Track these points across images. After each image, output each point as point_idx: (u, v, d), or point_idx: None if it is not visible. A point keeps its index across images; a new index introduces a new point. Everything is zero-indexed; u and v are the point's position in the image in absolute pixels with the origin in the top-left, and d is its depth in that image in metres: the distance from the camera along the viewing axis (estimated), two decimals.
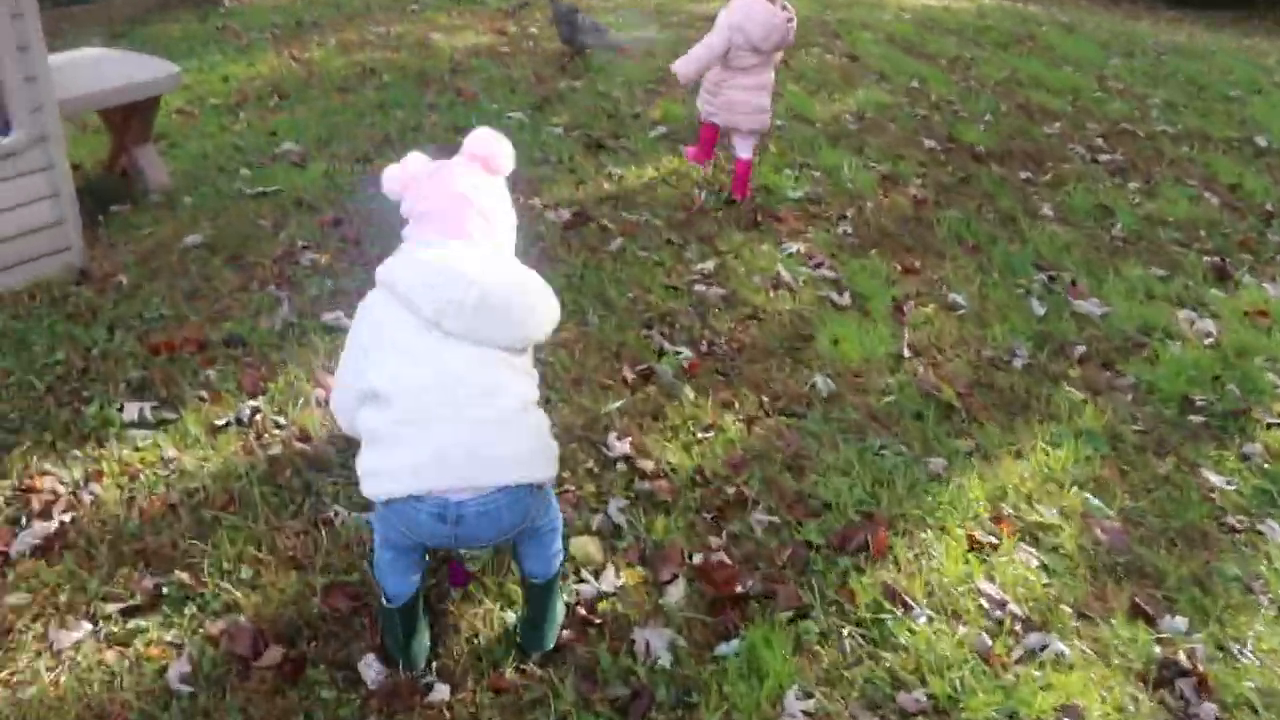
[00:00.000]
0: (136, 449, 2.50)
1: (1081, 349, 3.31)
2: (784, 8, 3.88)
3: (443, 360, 1.65)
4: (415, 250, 1.76)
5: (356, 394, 1.73)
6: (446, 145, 4.66)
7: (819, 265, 3.78)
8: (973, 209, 4.48)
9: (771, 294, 3.54)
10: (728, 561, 2.24)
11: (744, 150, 4.25)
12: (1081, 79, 6.98)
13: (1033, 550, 2.35)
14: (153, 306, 3.12)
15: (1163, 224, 4.46)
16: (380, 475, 1.67)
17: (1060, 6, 13.47)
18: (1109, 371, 3.22)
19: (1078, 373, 3.19)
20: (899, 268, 3.82)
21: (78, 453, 2.47)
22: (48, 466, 2.41)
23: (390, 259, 1.77)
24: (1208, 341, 3.44)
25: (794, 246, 3.92)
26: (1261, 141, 5.88)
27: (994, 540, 2.36)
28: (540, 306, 1.76)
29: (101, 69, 3.70)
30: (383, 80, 5.56)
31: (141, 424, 2.59)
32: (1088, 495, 2.54)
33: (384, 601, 1.87)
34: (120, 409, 2.61)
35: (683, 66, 4.11)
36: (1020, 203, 4.58)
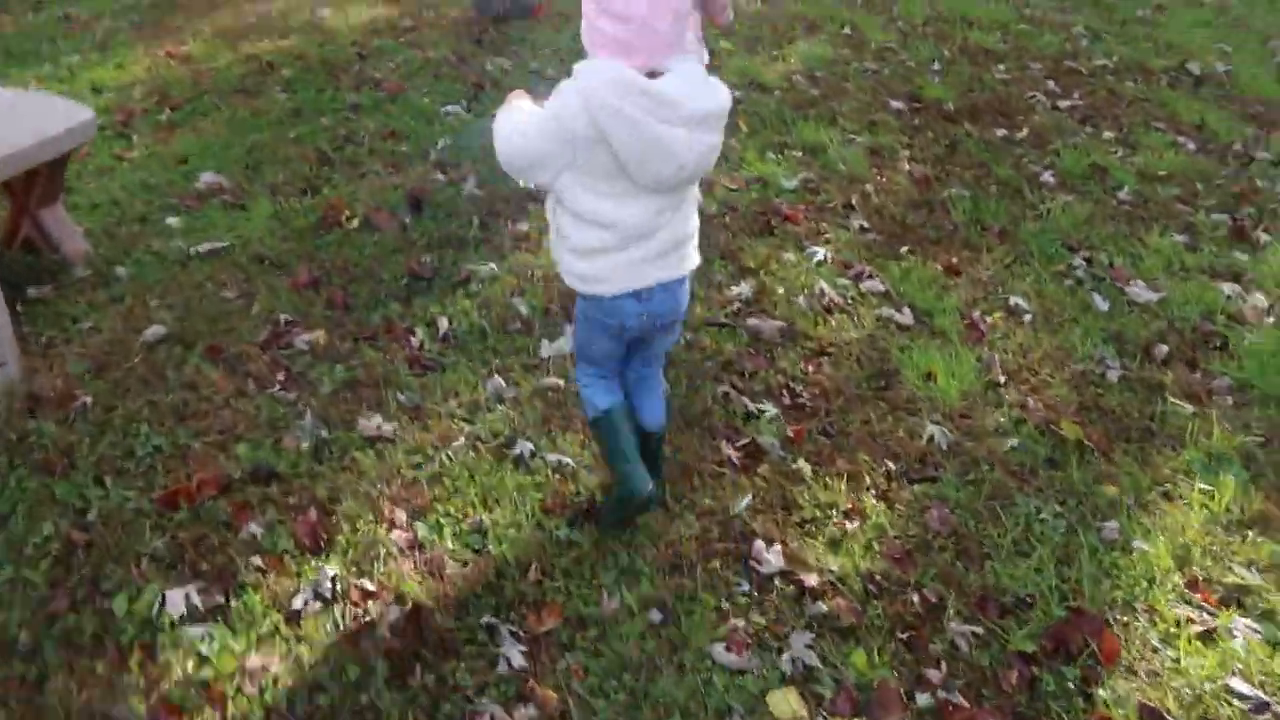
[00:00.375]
0: (200, 657, 1.99)
1: (1163, 349, 3.17)
2: None
3: (648, 203, 1.89)
4: (633, 94, 1.75)
5: (532, 177, 1.91)
6: (391, 158, 4.08)
7: (859, 276, 3.49)
8: (973, 182, 4.27)
9: (829, 320, 3.23)
10: (961, 702, 1.97)
11: None
12: (1001, 10, 6.85)
13: (1247, 622, 2.18)
14: (141, 437, 2.52)
15: (1158, 180, 4.38)
16: (602, 281, 1.97)
17: None
18: (1197, 372, 3.09)
19: (1170, 378, 3.05)
20: (940, 267, 3.57)
21: (129, 677, 1.94)
22: (99, 709, 1.88)
23: (607, 89, 1.75)
24: (1269, 321, 3.36)
25: (820, 251, 3.61)
26: (1195, 68, 5.90)
27: (1209, 618, 2.18)
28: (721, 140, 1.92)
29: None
30: (285, 76, 4.82)
31: (194, 617, 2.07)
32: (1273, 544, 2.39)
33: (601, 413, 2.20)
34: (161, 600, 2.08)
35: None
36: (1015, 169, 4.40)
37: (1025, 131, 4.81)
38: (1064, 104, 5.24)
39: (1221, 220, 4.06)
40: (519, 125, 1.89)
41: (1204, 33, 6.76)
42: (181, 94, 4.59)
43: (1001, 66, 5.73)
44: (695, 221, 2.05)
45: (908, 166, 4.37)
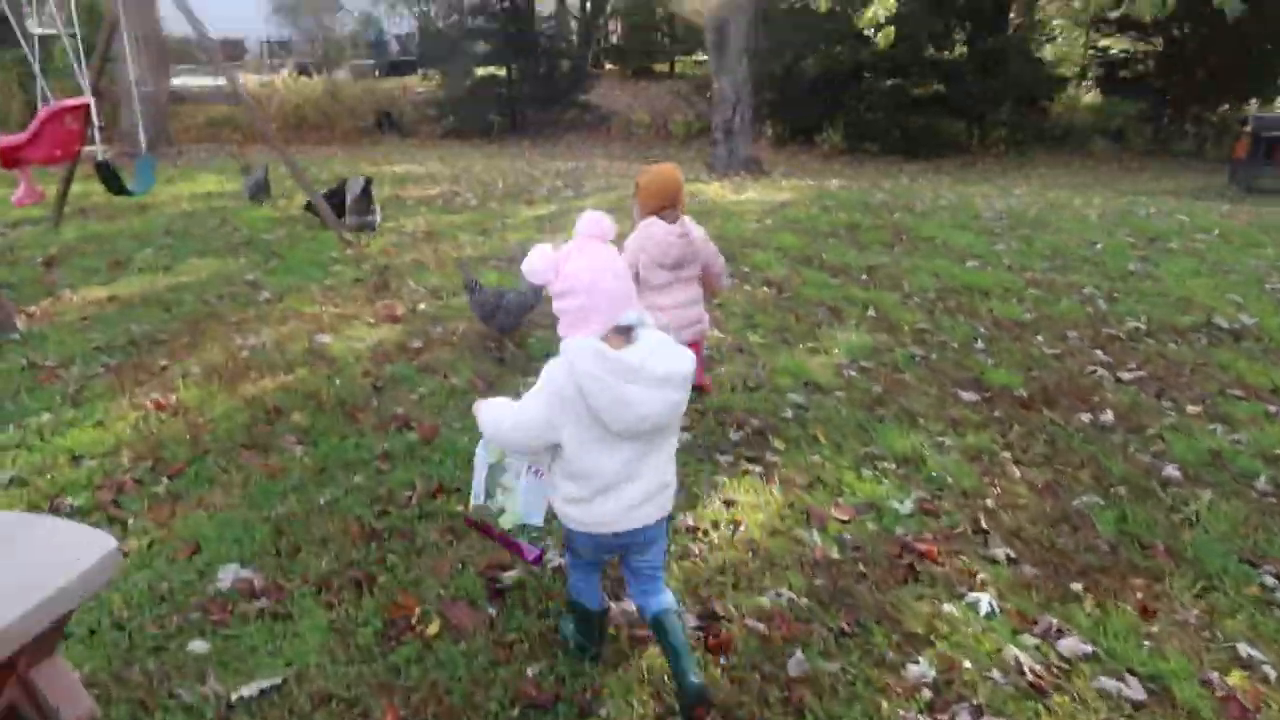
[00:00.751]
0: None
1: None
2: (681, 224, 3.99)
3: (624, 453, 2.32)
4: (605, 362, 2.22)
5: (540, 444, 2.37)
6: (447, 523, 3.42)
7: (1048, 632, 2.91)
8: (1094, 484, 3.84)
9: (1049, 706, 2.61)
10: None
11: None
12: (1001, 275, 6.82)
13: None
14: None
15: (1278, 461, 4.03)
16: (587, 524, 2.41)
17: (844, 177, 14.08)
18: None
19: None
20: (1129, 608, 3.03)
21: None
22: None
23: (585, 360, 2.21)
24: None
25: (983, 599, 3.05)
26: (1223, 323, 5.81)
27: None
28: (686, 399, 2.35)
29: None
30: (297, 423, 4.24)
31: None
32: None
33: (589, 609, 2.66)
34: None
35: None
36: (1128, 463, 4.00)
37: (1110, 415, 4.48)
38: (1126, 376, 4.98)
39: None
40: (514, 407, 2.38)
41: (1201, 283, 6.79)
42: (179, 455, 3.95)
43: (1040, 338, 5.53)
44: (672, 474, 2.47)
45: (1017, 471, 3.92)
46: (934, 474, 3.87)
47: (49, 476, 3.77)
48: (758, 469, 3.90)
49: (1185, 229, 9.06)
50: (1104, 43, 23.95)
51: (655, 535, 2.48)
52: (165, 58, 11.08)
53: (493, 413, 2.43)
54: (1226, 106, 22.19)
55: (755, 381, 4.74)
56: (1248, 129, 17.40)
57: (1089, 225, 9.07)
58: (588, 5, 27.76)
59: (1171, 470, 3.93)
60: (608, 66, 29.31)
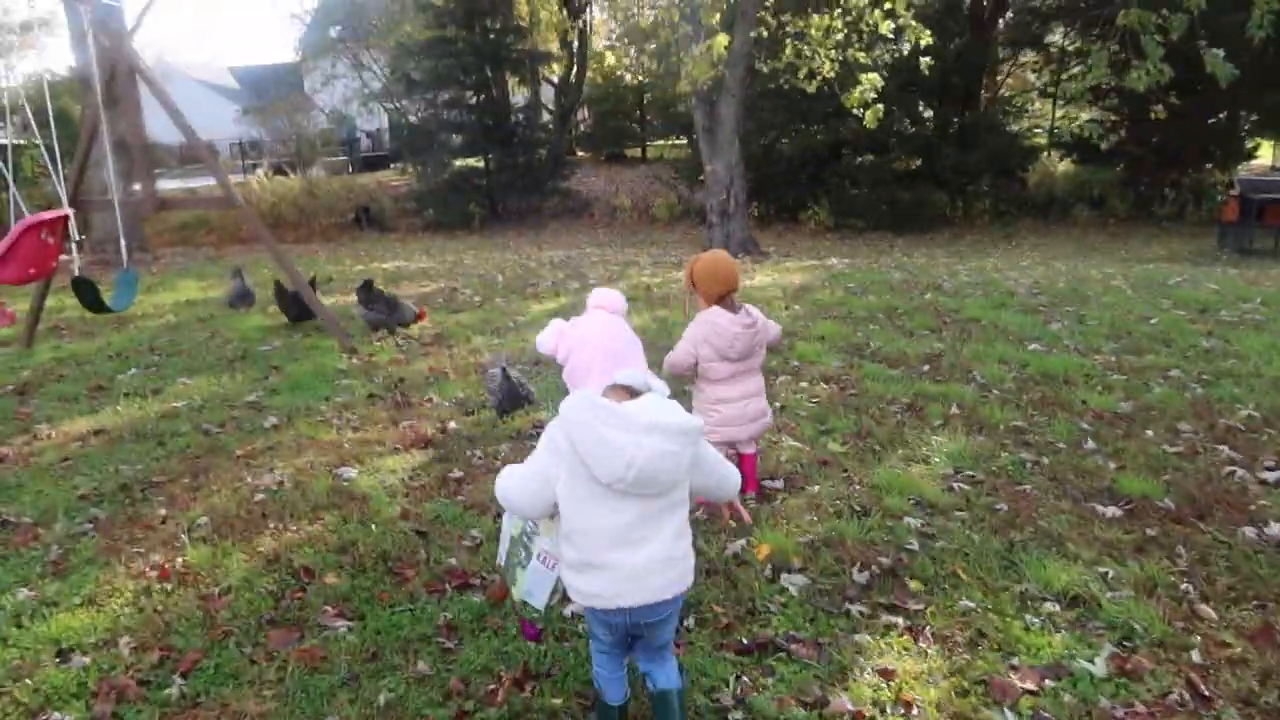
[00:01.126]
0: None
1: None
2: (746, 313, 3.87)
3: (623, 516, 2.22)
4: (593, 409, 2.21)
5: (541, 501, 2.32)
6: None
7: None
8: None
9: None
10: None
11: (747, 449, 4.08)
12: (1074, 360, 6.28)
13: None
14: None
15: None
16: (585, 595, 2.30)
17: (839, 254, 13.70)
18: None
19: None
20: None
21: None
22: None
23: (575, 409, 2.22)
24: None
25: None
26: None
27: None
28: (684, 457, 2.24)
29: None
30: (333, 587, 3.51)
31: None
32: None
33: (606, 703, 2.52)
34: None
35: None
36: None
37: (1275, 527, 3.86)
38: (1269, 477, 4.38)
39: None
40: (517, 468, 2.37)
41: None
42: (192, 642, 3.19)
43: (1150, 433, 4.95)
44: (686, 549, 2.33)
45: (1212, 612, 3.28)
46: (1114, 619, 3.22)
47: (30, 681, 3.00)
48: (900, 621, 3.23)
49: (1226, 298, 8.65)
50: (1073, 111, 24.18)
51: (669, 613, 2.37)
52: (149, 163, 10.54)
53: (503, 478, 2.40)
54: (1191, 170, 22.29)
55: (859, 504, 4.09)
56: (1235, 192, 17.37)
57: (1128, 298, 8.63)
58: (562, 95, 27.76)
59: None
60: (580, 154, 29.25)
